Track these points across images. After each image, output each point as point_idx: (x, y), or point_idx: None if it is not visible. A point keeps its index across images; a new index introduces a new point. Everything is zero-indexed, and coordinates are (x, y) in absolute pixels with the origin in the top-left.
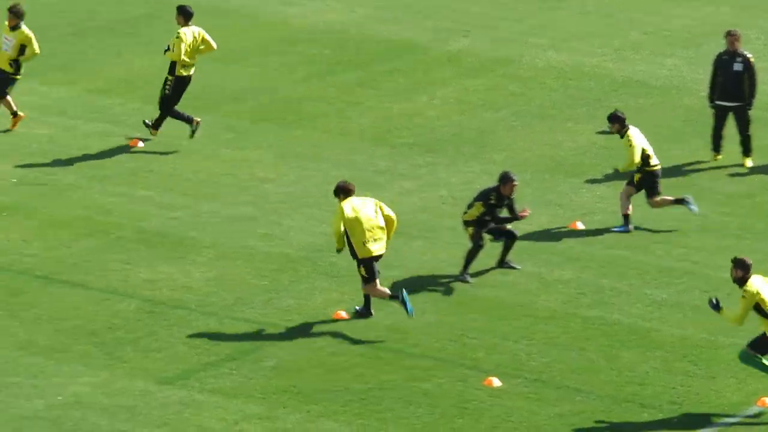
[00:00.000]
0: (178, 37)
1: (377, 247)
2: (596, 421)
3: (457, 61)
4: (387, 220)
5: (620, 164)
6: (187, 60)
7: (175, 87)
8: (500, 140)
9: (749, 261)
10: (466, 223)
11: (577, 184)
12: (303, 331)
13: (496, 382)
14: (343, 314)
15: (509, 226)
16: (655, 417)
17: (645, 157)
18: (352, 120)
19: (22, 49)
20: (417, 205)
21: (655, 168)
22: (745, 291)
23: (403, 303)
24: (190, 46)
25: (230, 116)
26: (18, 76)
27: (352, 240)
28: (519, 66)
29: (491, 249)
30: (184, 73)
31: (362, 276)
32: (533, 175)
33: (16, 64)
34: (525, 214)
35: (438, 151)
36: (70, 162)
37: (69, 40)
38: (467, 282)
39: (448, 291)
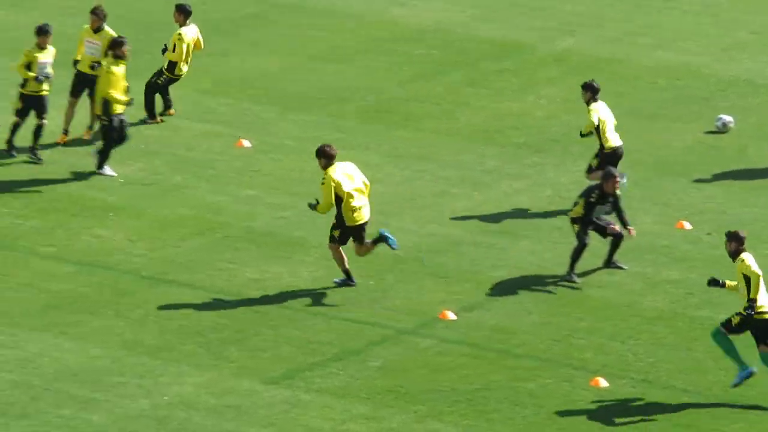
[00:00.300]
0: (179, 38)
1: (364, 214)
2: (703, 422)
3: (565, 61)
4: (364, 185)
5: (583, 129)
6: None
7: (167, 83)
8: None
9: (743, 234)
10: (573, 221)
11: (685, 184)
12: (409, 331)
13: (602, 382)
14: (450, 314)
15: (617, 227)
16: (763, 417)
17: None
18: (460, 120)
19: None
20: (524, 205)
21: (612, 148)
22: (740, 260)
23: (385, 239)
24: (189, 45)
25: (336, 116)
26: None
27: (342, 207)
28: (626, 65)
29: (598, 249)
30: (179, 73)
31: (333, 236)
32: (641, 174)
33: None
34: (632, 233)
35: (546, 151)
36: (177, 162)
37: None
38: (574, 282)
39: (554, 291)
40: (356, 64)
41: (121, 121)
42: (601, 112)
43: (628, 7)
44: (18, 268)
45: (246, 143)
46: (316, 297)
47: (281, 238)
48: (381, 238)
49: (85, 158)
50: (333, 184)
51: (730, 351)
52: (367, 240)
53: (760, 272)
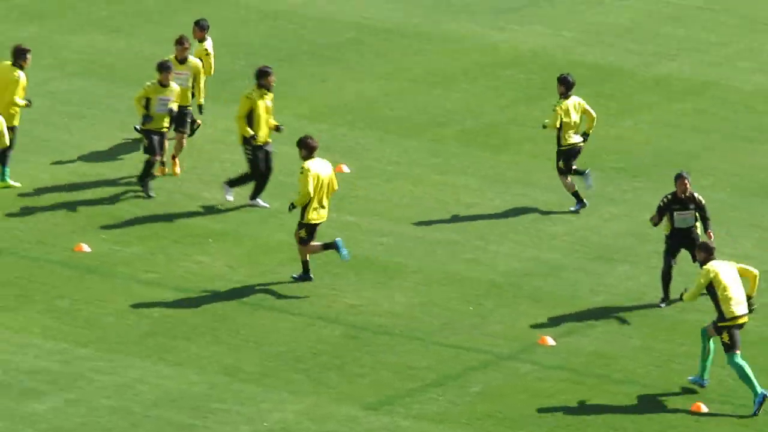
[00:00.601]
0: (207, 53)
1: (323, 214)
2: None
3: (664, 85)
4: (333, 187)
5: (547, 123)
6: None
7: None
8: (707, 164)
9: (712, 245)
10: (665, 237)
11: None
12: (508, 356)
13: (703, 407)
14: (549, 340)
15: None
16: None
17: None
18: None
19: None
20: (622, 230)
21: (572, 145)
22: (703, 269)
23: (337, 248)
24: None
25: (436, 140)
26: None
27: (308, 203)
28: (726, 89)
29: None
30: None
31: (300, 237)
32: (740, 199)
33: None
34: (710, 237)
35: (644, 175)
36: (275, 187)
37: (275, 66)
38: (661, 306)
39: (653, 316)
40: (456, 88)
41: (267, 152)
42: (566, 109)
43: (729, 31)
44: (118, 294)
45: (345, 168)
46: (414, 322)
47: (379, 264)
48: (333, 245)
49: (182, 184)
50: (311, 174)
51: (705, 356)
52: (317, 242)
53: (725, 283)
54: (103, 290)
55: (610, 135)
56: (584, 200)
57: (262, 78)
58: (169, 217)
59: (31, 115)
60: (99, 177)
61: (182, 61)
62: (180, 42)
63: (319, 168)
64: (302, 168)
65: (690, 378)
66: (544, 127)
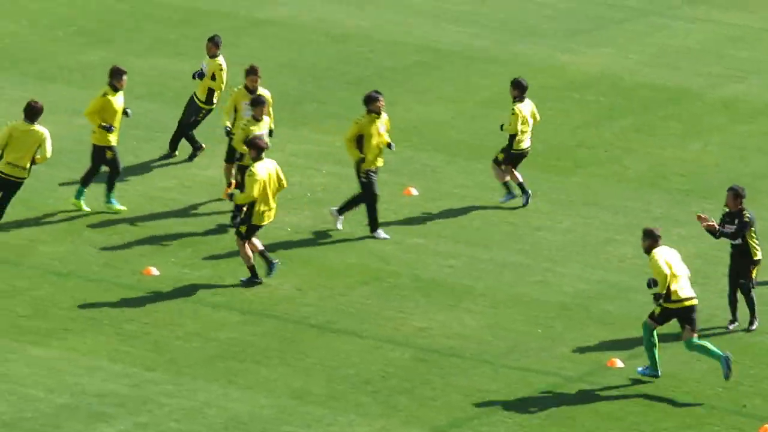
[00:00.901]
0: (221, 68)
1: (270, 215)
2: None
3: (732, 107)
4: (281, 186)
5: (505, 125)
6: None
7: (204, 117)
8: None
9: (657, 232)
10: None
11: None
12: (577, 378)
13: None
14: (618, 362)
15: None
16: None
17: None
18: (628, 166)
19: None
20: (691, 252)
21: (523, 150)
22: (651, 257)
23: (269, 267)
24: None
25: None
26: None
27: (255, 204)
28: None
29: (766, 296)
30: (213, 105)
31: (239, 233)
32: None
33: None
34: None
35: (712, 197)
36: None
37: (343, 89)
38: (729, 328)
39: (722, 338)
40: None
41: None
42: (524, 113)
43: None
44: (186, 317)
45: (413, 191)
46: (483, 345)
47: (448, 287)
48: (269, 264)
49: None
50: (257, 179)
51: (650, 346)
52: (258, 245)
53: (667, 271)
54: (172, 313)
55: (678, 157)
56: (513, 192)
57: (370, 103)
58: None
59: None
60: (167, 200)
61: (253, 91)
62: (253, 71)
63: (265, 171)
64: (250, 171)
65: (640, 369)
66: (502, 129)
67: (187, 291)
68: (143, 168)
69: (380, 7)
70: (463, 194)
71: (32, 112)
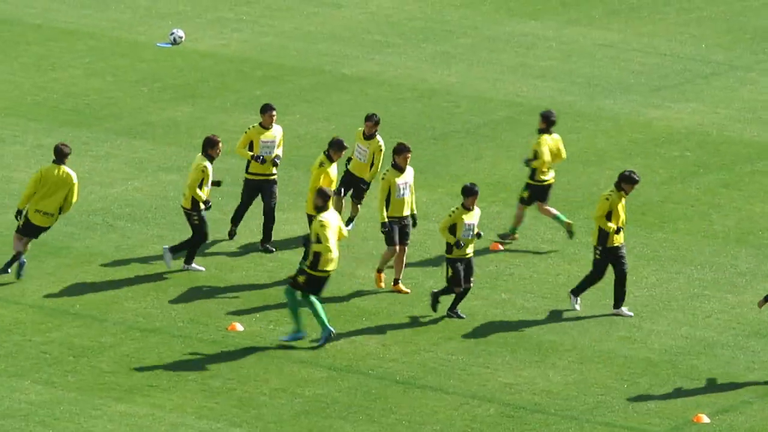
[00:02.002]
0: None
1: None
2: None
3: None
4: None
5: (534, 162)
6: None
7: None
8: None
9: (330, 192)
10: None
11: None
12: None
13: None
14: (704, 418)
15: None
16: None
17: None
18: (715, 222)
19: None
20: None
21: (544, 182)
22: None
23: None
24: None
25: (590, 218)
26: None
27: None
28: None
29: None
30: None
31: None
32: None
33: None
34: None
35: None
36: (429, 264)
37: (430, 144)
38: None
39: None
40: (611, 165)
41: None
42: (550, 146)
43: None
44: (271, 373)
45: (500, 247)
46: (569, 401)
47: (534, 342)
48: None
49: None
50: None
51: (294, 308)
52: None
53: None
54: (257, 369)
55: (766, 212)
56: (515, 235)
57: (624, 182)
58: (321, 296)
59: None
60: (252, 256)
61: (369, 137)
62: (370, 118)
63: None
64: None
65: (282, 338)
66: (527, 165)
67: (272, 347)
68: (229, 223)
69: (466, 62)
70: (550, 249)
71: (61, 155)
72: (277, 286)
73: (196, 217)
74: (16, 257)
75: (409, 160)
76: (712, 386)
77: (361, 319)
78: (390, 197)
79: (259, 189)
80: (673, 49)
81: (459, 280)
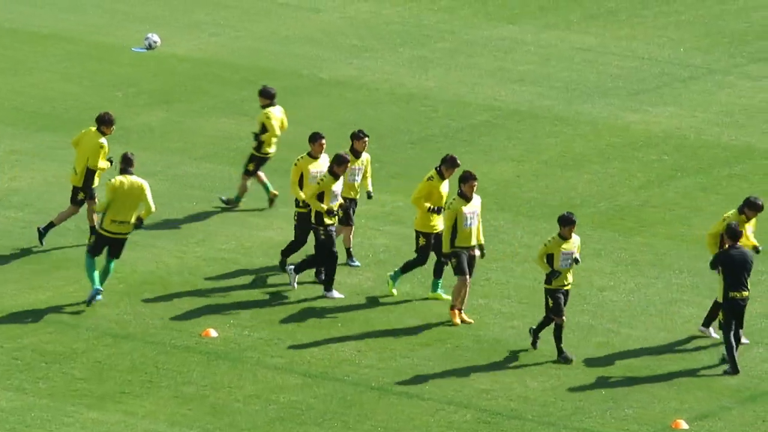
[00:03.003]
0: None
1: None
2: None
3: None
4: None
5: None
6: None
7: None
8: None
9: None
10: None
11: None
12: None
13: None
14: (683, 423)
15: None
16: None
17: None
18: (694, 225)
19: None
20: (757, 311)
21: (267, 154)
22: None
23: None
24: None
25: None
26: (260, 154)
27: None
28: None
29: None
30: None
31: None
32: None
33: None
34: None
35: None
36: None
37: (407, 148)
38: None
39: None
40: (589, 169)
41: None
42: (276, 119)
43: None
44: (245, 380)
45: (476, 252)
46: (547, 407)
47: (510, 348)
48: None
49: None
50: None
51: (90, 269)
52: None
53: None
54: (231, 376)
55: None
56: (238, 201)
57: (748, 208)
58: (296, 302)
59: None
60: (226, 261)
61: (360, 154)
62: (358, 137)
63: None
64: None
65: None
66: (256, 138)
67: (246, 353)
68: (202, 229)
69: (444, 67)
70: (527, 254)
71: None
72: (250, 292)
73: (322, 232)
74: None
75: (475, 188)
76: (691, 392)
77: (336, 325)
78: (457, 226)
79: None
80: (651, 52)
81: (560, 311)
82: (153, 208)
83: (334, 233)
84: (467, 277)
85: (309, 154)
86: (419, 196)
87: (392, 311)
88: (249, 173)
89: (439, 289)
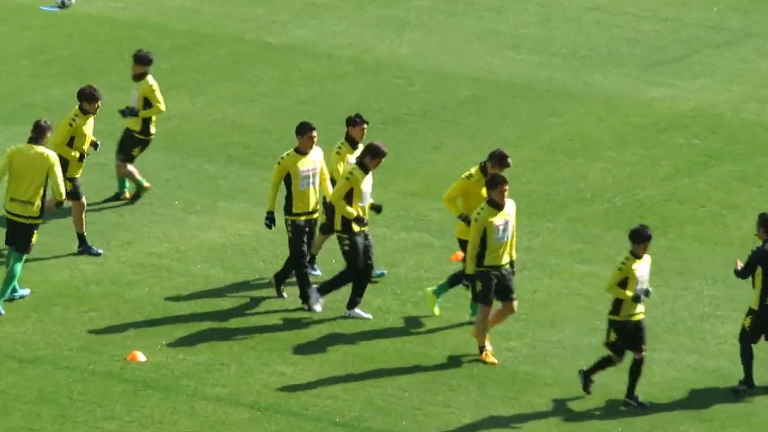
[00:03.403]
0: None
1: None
2: None
3: None
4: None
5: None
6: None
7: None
8: None
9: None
10: None
11: None
12: None
13: None
14: None
15: None
16: None
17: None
18: (731, 226)
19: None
20: None
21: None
22: None
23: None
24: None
25: (577, 222)
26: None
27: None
28: None
29: None
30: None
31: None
32: None
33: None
34: None
35: None
36: (379, 280)
37: (378, 130)
38: None
39: None
40: (601, 156)
41: None
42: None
43: None
44: (180, 413)
45: (461, 255)
46: None
47: (506, 375)
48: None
49: (262, 279)
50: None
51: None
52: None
53: None
54: (162, 409)
55: None
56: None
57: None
58: (244, 319)
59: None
60: (158, 269)
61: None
62: (355, 122)
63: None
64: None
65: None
66: (132, 115)
67: (182, 381)
68: (128, 228)
69: (421, 30)
70: (526, 260)
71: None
72: (187, 307)
73: (346, 242)
74: None
75: (507, 193)
76: (727, 429)
77: (292, 347)
78: (486, 241)
79: None
80: (676, 13)
81: (622, 349)
82: (63, 193)
83: (361, 243)
84: (490, 308)
85: (297, 150)
86: (452, 196)
87: (362, 330)
88: (131, 159)
89: (439, 300)
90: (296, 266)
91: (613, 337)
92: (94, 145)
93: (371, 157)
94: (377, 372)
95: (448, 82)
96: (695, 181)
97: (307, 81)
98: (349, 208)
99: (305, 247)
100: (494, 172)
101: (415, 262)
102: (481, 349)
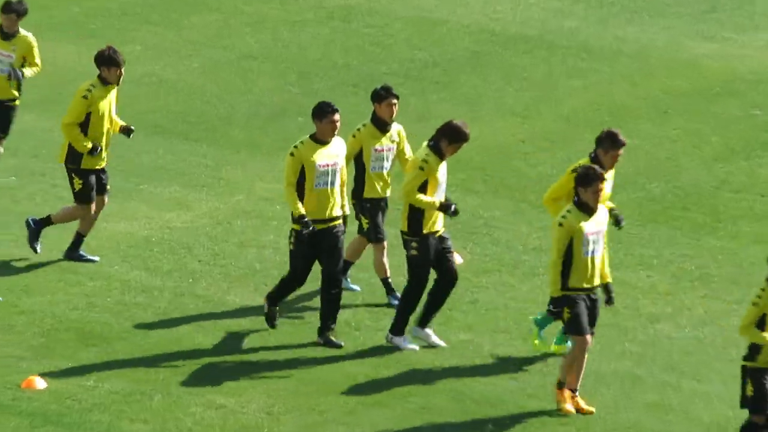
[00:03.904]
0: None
1: None
2: None
3: None
4: None
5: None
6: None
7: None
8: None
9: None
10: None
11: None
12: None
13: None
14: None
15: None
16: None
17: None
18: None
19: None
20: None
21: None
22: None
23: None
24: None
25: None
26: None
27: None
28: None
29: None
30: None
31: None
32: None
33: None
34: None
35: None
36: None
37: (348, 94)
38: None
39: None
40: (635, 129)
41: None
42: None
43: None
44: None
45: (458, 258)
46: None
47: (512, 409)
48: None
49: (195, 283)
50: None
51: None
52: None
53: None
54: None
55: None
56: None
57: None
58: (172, 334)
59: None
60: (62, 271)
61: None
62: (382, 96)
63: None
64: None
65: None
66: (15, 76)
67: (92, 416)
68: (22, 221)
69: None
70: (535, 263)
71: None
72: (97, 317)
73: (414, 246)
74: None
75: (602, 193)
76: None
77: (236, 374)
78: (573, 255)
79: None
80: None
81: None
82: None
83: (434, 245)
84: (588, 337)
85: (314, 138)
86: (555, 196)
87: (320, 354)
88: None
89: (541, 333)
90: (287, 285)
91: (751, 389)
92: (126, 131)
93: (449, 142)
94: (346, 404)
95: (440, 34)
96: (754, 164)
97: (254, 28)
98: (427, 198)
99: (307, 269)
100: (588, 165)
101: (394, 262)
102: (560, 384)
